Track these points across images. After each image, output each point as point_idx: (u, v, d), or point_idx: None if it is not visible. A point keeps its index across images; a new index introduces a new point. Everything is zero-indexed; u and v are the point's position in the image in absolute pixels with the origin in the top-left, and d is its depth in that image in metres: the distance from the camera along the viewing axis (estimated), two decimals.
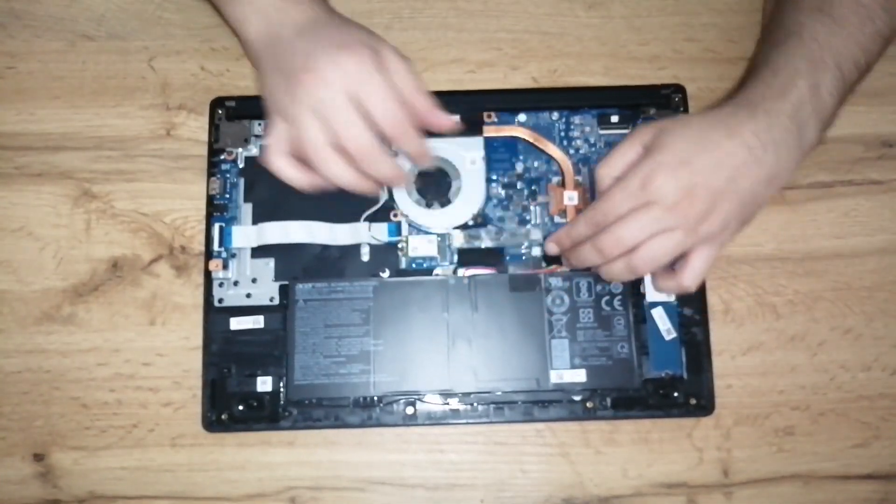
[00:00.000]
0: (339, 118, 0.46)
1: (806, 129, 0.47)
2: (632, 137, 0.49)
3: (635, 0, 0.59)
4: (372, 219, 0.54)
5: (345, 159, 0.47)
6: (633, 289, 0.53)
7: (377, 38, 0.49)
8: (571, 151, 0.56)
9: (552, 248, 0.53)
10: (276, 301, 0.53)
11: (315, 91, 0.45)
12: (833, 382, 0.54)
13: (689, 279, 0.48)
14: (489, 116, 0.56)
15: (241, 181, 0.55)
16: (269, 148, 0.49)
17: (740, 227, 0.49)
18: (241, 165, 0.55)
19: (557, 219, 0.55)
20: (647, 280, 0.53)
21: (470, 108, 0.56)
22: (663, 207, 0.46)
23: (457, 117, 0.53)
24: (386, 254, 0.54)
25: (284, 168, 0.49)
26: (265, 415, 0.52)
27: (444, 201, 0.55)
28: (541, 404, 0.52)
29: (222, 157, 0.55)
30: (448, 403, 0.52)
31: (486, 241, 0.55)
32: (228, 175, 0.55)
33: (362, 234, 0.54)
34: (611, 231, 0.48)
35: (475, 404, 0.52)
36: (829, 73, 0.48)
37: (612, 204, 0.48)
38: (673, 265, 0.49)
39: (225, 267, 0.54)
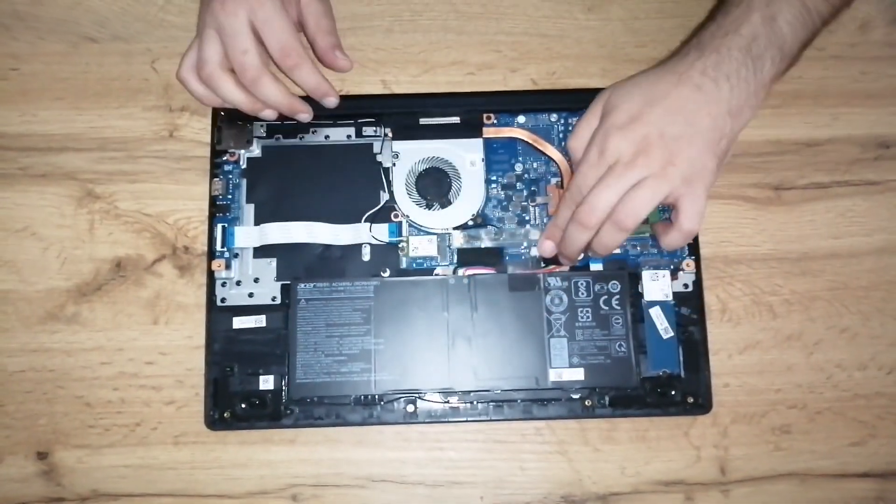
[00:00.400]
0: (233, 42, 0.51)
1: (762, 61, 0.47)
2: (592, 106, 0.51)
3: (634, 2, 0.59)
4: (373, 219, 0.55)
5: (234, 79, 0.52)
6: (632, 288, 0.53)
7: None
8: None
9: (547, 246, 0.53)
10: (278, 300, 0.54)
11: (220, 17, 0.51)
12: (829, 381, 0.54)
13: (687, 222, 0.48)
14: (489, 118, 0.56)
15: (244, 182, 0.55)
16: (181, 62, 0.54)
17: (721, 162, 0.49)
18: (243, 166, 0.56)
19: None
20: (647, 280, 0.54)
21: (469, 109, 0.56)
22: (624, 164, 0.47)
23: (349, 62, 0.56)
24: (387, 254, 0.55)
25: (189, 81, 0.54)
26: (267, 413, 0.52)
27: (444, 202, 0.55)
28: (540, 402, 0.52)
29: (224, 158, 0.56)
30: (448, 402, 0.53)
31: (485, 242, 0.55)
32: (231, 176, 0.56)
33: (363, 234, 0.55)
34: (585, 202, 0.49)
35: (475, 402, 0.53)
36: (787, 3, 0.48)
37: (582, 178, 0.49)
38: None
39: (227, 267, 0.54)
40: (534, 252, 0.55)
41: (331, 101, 0.55)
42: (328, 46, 0.54)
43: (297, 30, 0.55)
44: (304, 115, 0.55)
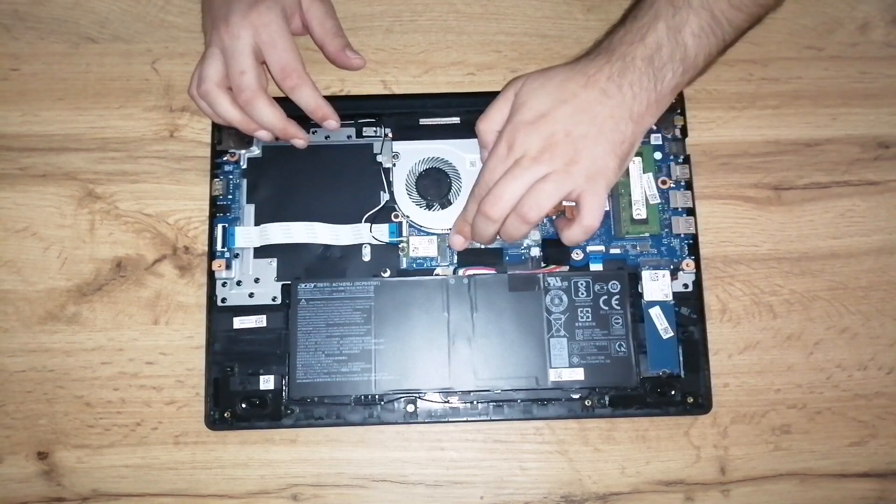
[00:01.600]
0: (233, 62, 0.52)
1: (664, 72, 0.49)
2: (503, 93, 0.51)
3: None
4: (373, 219, 0.55)
5: (231, 98, 0.53)
6: (632, 288, 0.53)
7: None
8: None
9: (457, 241, 0.53)
10: (279, 300, 0.54)
11: (224, 38, 0.52)
12: (829, 381, 0.54)
13: (588, 218, 0.49)
14: None
15: (244, 182, 0.56)
16: (190, 79, 0.55)
17: (623, 163, 0.50)
18: (243, 167, 0.56)
19: (555, 218, 0.55)
20: (646, 280, 0.54)
21: (470, 110, 0.56)
22: (530, 159, 0.48)
23: (361, 60, 0.56)
24: (387, 254, 0.55)
25: (196, 98, 0.54)
26: (267, 413, 0.52)
27: (445, 202, 0.55)
28: (540, 402, 0.52)
29: (225, 158, 0.56)
30: (448, 401, 0.53)
31: None
32: (231, 176, 0.56)
33: (364, 234, 0.55)
34: (491, 193, 0.49)
35: (475, 402, 0.53)
36: (694, 14, 0.48)
37: (489, 172, 0.50)
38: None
39: (228, 267, 0.54)
40: (533, 252, 0.55)
41: (331, 125, 0.55)
42: (338, 48, 0.55)
43: (303, 34, 0.56)
44: (300, 140, 0.55)
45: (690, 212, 0.55)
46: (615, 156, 0.49)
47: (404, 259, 0.55)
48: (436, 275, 0.54)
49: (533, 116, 0.49)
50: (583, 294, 0.53)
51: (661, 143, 0.56)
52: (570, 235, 0.51)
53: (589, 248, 0.55)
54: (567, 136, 0.48)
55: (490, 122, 0.52)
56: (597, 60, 0.49)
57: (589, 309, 0.53)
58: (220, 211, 0.55)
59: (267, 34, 0.51)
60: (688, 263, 0.54)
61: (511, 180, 0.49)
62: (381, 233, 0.55)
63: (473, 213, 0.51)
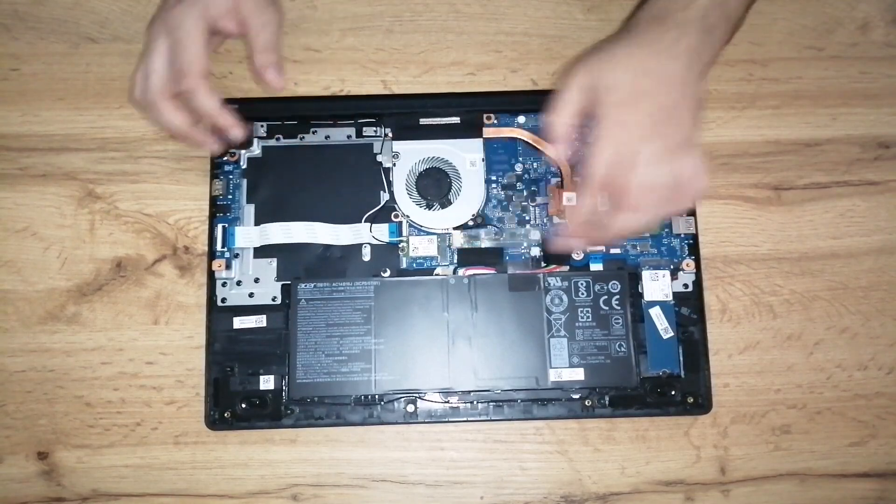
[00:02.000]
0: (146, 62, 0.52)
1: (715, 31, 0.49)
2: (571, 82, 0.49)
3: (633, 3, 0.59)
4: (373, 219, 0.55)
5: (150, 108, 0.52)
6: (632, 288, 0.53)
7: None
8: (570, 153, 0.56)
9: (576, 244, 0.53)
10: (279, 300, 0.54)
11: (150, 44, 0.52)
12: (829, 381, 0.54)
13: (701, 181, 0.48)
14: (489, 118, 0.56)
15: (244, 182, 0.56)
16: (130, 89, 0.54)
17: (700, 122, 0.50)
18: (243, 167, 0.56)
19: (556, 219, 0.55)
20: (647, 280, 0.54)
21: (470, 109, 0.56)
22: (649, 140, 0.47)
23: (281, 82, 0.55)
24: (387, 254, 0.55)
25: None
26: (268, 413, 0.52)
27: (445, 202, 0.55)
28: (540, 402, 0.52)
29: (225, 158, 0.56)
30: (448, 401, 0.53)
31: (485, 242, 0.55)
32: (231, 176, 0.56)
33: (364, 234, 0.55)
34: (639, 185, 0.47)
35: (475, 402, 0.53)
36: None
37: (611, 160, 0.48)
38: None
39: (228, 267, 0.54)
40: (534, 252, 0.55)
41: (234, 133, 0.53)
42: (261, 63, 0.54)
43: (236, 34, 0.54)
44: (205, 147, 0.54)
45: (691, 212, 0.55)
46: (696, 118, 0.49)
47: (404, 259, 0.55)
48: (436, 275, 0.54)
49: (627, 96, 0.48)
50: (583, 294, 0.53)
51: None
52: (682, 207, 0.52)
53: (589, 249, 0.55)
54: (661, 108, 0.48)
55: (564, 114, 0.50)
56: (652, 30, 0.49)
57: (589, 309, 0.53)
58: (220, 211, 0.55)
59: (177, 34, 0.51)
60: (688, 263, 0.54)
61: (654, 166, 0.47)
62: (381, 233, 0.55)
63: (593, 208, 0.49)
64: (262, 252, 0.55)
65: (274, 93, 0.55)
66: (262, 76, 0.54)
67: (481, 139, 0.56)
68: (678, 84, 0.48)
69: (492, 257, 0.55)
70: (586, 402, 0.52)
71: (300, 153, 0.56)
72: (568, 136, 0.49)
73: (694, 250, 0.55)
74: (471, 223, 0.55)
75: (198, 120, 0.52)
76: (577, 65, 0.50)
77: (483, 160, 0.56)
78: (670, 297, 0.54)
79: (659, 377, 0.53)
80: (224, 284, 0.54)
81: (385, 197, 0.55)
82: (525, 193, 0.56)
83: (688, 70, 0.48)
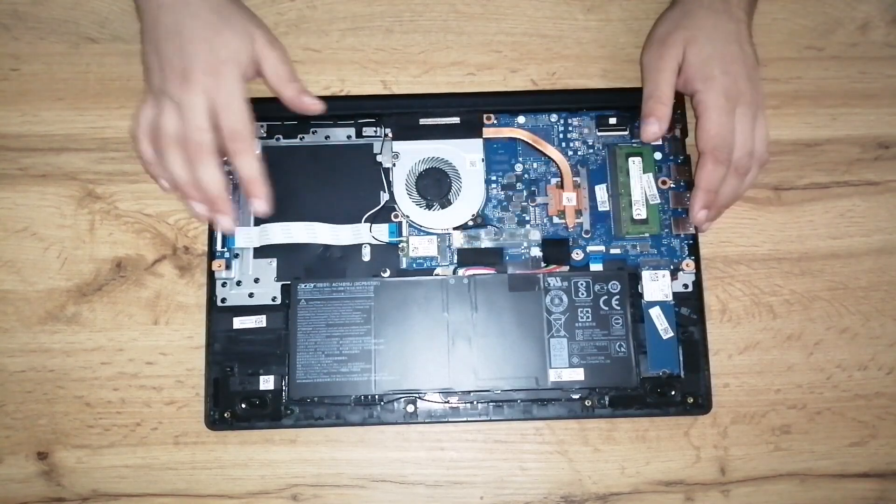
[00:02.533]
0: (192, 116, 0.50)
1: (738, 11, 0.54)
2: (665, 65, 0.53)
3: (633, 3, 0.59)
4: (373, 219, 0.55)
5: (183, 157, 0.51)
6: (632, 288, 0.53)
7: (251, 25, 0.53)
8: (570, 153, 0.56)
9: (705, 216, 0.53)
10: (279, 300, 0.54)
11: (181, 94, 0.50)
12: (829, 381, 0.54)
13: (766, 131, 0.54)
14: (489, 118, 0.56)
15: None
16: (136, 119, 0.52)
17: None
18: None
19: (556, 219, 0.55)
20: (646, 280, 0.54)
21: (470, 110, 0.56)
22: (746, 104, 0.52)
23: (319, 104, 0.54)
24: (387, 254, 0.55)
25: (142, 142, 0.52)
26: (267, 413, 0.52)
27: (444, 202, 0.55)
28: (540, 403, 0.52)
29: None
30: (448, 402, 0.53)
31: (485, 242, 0.55)
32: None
33: (363, 234, 0.55)
34: (757, 144, 0.53)
35: (475, 402, 0.53)
36: None
37: (726, 127, 0.52)
38: None
39: (228, 267, 0.54)
40: (534, 252, 0.55)
41: (258, 205, 0.52)
42: (295, 94, 0.53)
43: (255, 78, 0.54)
44: (226, 219, 0.51)
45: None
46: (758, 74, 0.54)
47: (404, 259, 0.55)
48: (436, 275, 0.54)
49: (719, 64, 0.52)
50: (583, 294, 0.53)
51: (661, 143, 0.56)
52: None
53: (589, 249, 0.55)
54: (745, 73, 0.52)
55: (666, 92, 0.53)
56: (704, 10, 0.53)
57: (589, 309, 0.53)
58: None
59: (224, 97, 0.50)
60: (688, 263, 0.54)
61: (754, 129, 0.53)
62: (381, 233, 0.55)
63: (719, 176, 0.52)
64: (262, 252, 0.55)
65: (268, 93, 0.55)
66: (298, 105, 0.54)
67: (481, 139, 0.56)
68: (745, 44, 0.53)
69: (492, 257, 0.55)
70: (586, 403, 0.52)
71: (300, 153, 0.56)
72: (670, 114, 0.53)
73: (694, 250, 0.55)
74: (471, 223, 0.55)
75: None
76: (660, 43, 0.54)
77: (483, 160, 0.56)
78: (670, 298, 0.54)
79: (659, 377, 0.53)
80: (224, 284, 0.54)
81: (385, 197, 0.55)
82: (525, 193, 0.56)
83: (747, 30, 0.54)
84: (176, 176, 0.51)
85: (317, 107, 0.54)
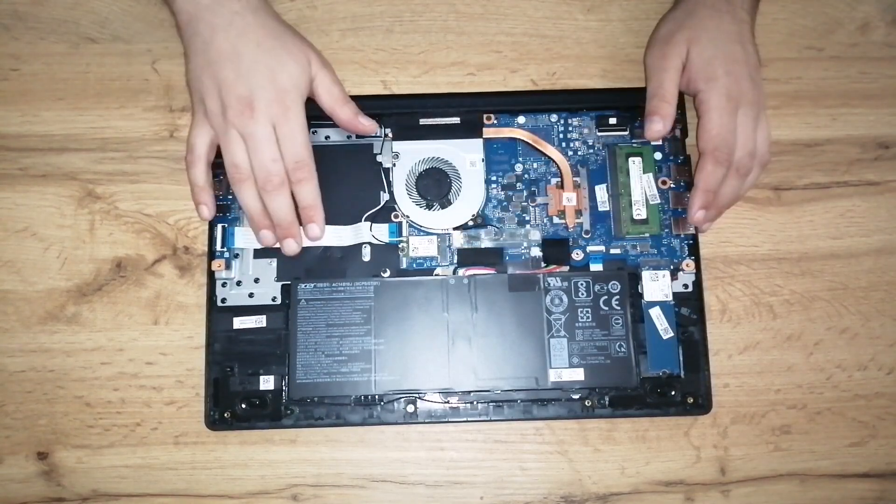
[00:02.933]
0: (261, 148, 0.51)
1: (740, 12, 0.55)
2: (669, 65, 0.53)
3: (633, 3, 0.59)
4: (373, 219, 0.55)
5: (255, 188, 0.52)
6: (632, 288, 0.53)
7: (307, 49, 0.53)
8: (570, 153, 0.56)
9: (703, 216, 0.53)
10: (279, 301, 0.54)
11: (248, 124, 0.50)
12: (829, 382, 0.54)
13: (768, 130, 0.54)
14: (489, 118, 0.56)
15: None
16: (190, 147, 0.53)
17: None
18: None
19: (556, 219, 0.55)
20: (646, 280, 0.54)
21: (470, 110, 0.56)
22: (749, 104, 0.53)
23: (374, 124, 0.55)
24: (387, 254, 0.55)
25: (198, 173, 0.53)
26: (267, 413, 0.52)
27: (445, 202, 0.55)
28: (540, 403, 0.52)
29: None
30: (448, 402, 0.53)
31: (485, 242, 0.55)
32: None
33: (364, 234, 0.55)
34: (758, 145, 0.53)
35: (475, 403, 0.53)
36: None
37: (727, 128, 0.52)
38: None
39: (228, 267, 0.54)
40: (534, 252, 0.55)
41: (314, 230, 0.53)
42: (351, 115, 0.54)
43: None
44: (294, 243, 0.53)
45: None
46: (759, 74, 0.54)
47: (404, 259, 0.55)
48: (436, 275, 0.54)
49: (722, 65, 0.52)
50: (583, 294, 0.53)
51: (661, 143, 0.56)
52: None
53: (589, 249, 0.55)
54: (748, 74, 0.53)
55: (671, 91, 0.53)
56: (708, 11, 0.54)
57: (589, 309, 0.53)
58: (219, 211, 0.55)
59: (288, 127, 0.51)
60: (688, 264, 0.54)
61: (755, 131, 0.53)
62: (381, 233, 0.55)
63: (719, 176, 0.52)
64: (261, 252, 0.55)
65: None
66: (353, 127, 0.54)
67: (481, 139, 0.56)
68: (748, 44, 0.53)
69: (492, 257, 0.55)
70: (586, 403, 0.52)
71: None
72: (674, 113, 0.53)
73: (694, 250, 0.55)
74: (471, 223, 0.55)
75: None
76: (663, 42, 0.54)
77: (483, 160, 0.56)
78: (670, 298, 0.54)
79: (659, 377, 0.53)
80: (224, 285, 0.54)
81: (385, 197, 0.55)
82: (525, 193, 0.56)
83: (750, 30, 0.54)
84: (249, 207, 0.52)
85: (372, 127, 0.55)
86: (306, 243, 0.54)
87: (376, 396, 0.52)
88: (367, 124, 0.54)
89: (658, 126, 0.53)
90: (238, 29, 0.51)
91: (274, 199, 0.51)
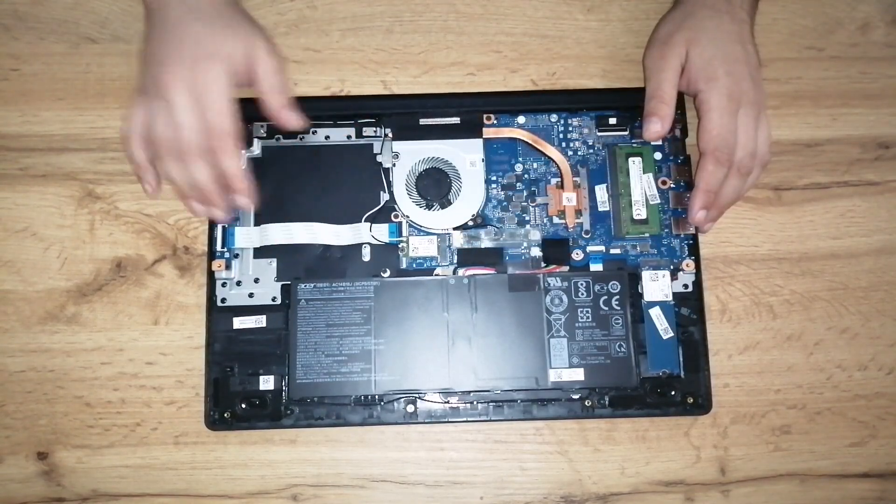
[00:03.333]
0: (178, 117, 0.49)
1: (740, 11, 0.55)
2: (668, 66, 0.53)
3: (633, 3, 0.59)
4: (373, 219, 0.55)
5: (179, 160, 0.50)
6: (632, 288, 0.53)
7: (254, 33, 0.51)
8: (570, 153, 0.56)
9: (704, 216, 0.53)
10: (279, 301, 0.54)
11: (165, 89, 0.49)
12: (829, 382, 0.54)
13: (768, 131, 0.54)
14: (489, 118, 0.56)
15: None
16: (127, 126, 0.51)
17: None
18: (243, 167, 0.56)
19: (556, 219, 0.55)
20: (646, 280, 0.54)
21: (470, 110, 0.56)
22: (750, 104, 0.52)
23: (300, 120, 0.52)
24: (387, 254, 0.55)
25: (135, 152, 0.51)
26: (267, 413, 0.52)
27: (445, 202, 0.55)
28: (540, 403, 0.52)
29: None
30: (448, 402, 0.53)
31: (485, 242, 0.55)
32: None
33: (363, 234, 0.55)
34: (758, 145, 0.53)
35: (475, 403, 0.53)
36: None
37: (727, 128, 0.52)
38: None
39: (228, 267, 0.54)
40: (534, 252, 0.55)
41: (241, 201, 0.51)
42: (278, 105, 0.51)
43: (248, 86, 0.52)
44: (218, 211, 0.51)
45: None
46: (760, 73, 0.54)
47: (404, 259, 0.55)
48: (436, 275, 0.54)
49: (724, 63, 0.52)
50: (583, 294, 0.53)
51: (661, 143, 0.56)
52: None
53: (589, 249, 0.55)
54: (748, 73, 0.53)
55: (668, 93, 0.53)
56: (706, 12, 0.54)
57: (589, 309, 0.53)
58: None
59: (203, 90, 0.49)
60: (688, 264, 0.54)
61: (756, 130, 0.53)
62: (381, 233, 0.55)
63: (720, 176, 0.52)
64: (261, 252, 0.55)
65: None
66: (279, 118, 0.52)
67: (481, 139, 0.56)
68: (748, 44, 0.53)
69: (492, 257, 0.55)
70: (586, 403, 0.52)
71: (300, 153, 0.56)
72: (672, 114, 0.53)
73: (694, 250, 0.55)
74: (471, 223, 0.55)
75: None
76: (662, 43, 0.54)
77: (483, 160, 0.56)
78: (670, 298, 0.54)
79: (659, 377, 0.53)
80: (224, 285, 0.54)
81: (385, 197, 0.55)
82: (525, 193, 0.56)
83: (749, 30, 0.54)
84: (172, 178, 0.51)
85: (297, 122, 0.52)
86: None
87: (376, 396, 0.52)
88: (290, 117, 0.52)
89: (656, 127, 0.53)
90: (188, 6, 0.50)
91: (190, 168, 0.49)
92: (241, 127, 0.52)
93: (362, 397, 0.52)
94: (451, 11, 0.59)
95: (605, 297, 0.53)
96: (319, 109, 0.56)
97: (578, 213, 0.55)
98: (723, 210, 0.54)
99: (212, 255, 0.54)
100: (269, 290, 0.54)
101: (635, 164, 0.55)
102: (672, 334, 0.53)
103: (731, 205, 0.54)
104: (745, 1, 0.54)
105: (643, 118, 0.54)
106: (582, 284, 0.53)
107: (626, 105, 0.56)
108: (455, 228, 0.55)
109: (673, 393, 0.53)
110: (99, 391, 0.54)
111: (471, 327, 0.52)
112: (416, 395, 0.52)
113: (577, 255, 0.55)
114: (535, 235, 0.55)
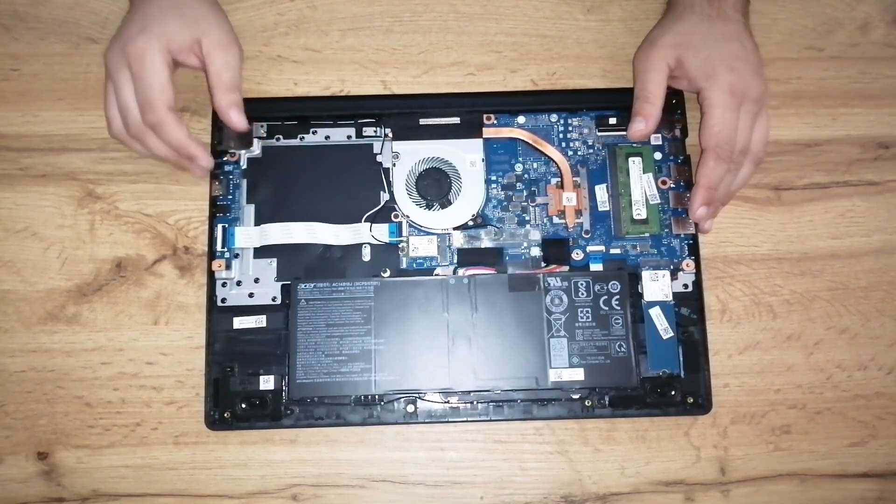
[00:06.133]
0: (121, 98, 0.52)
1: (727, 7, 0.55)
2: (656, 67, 0.53)
3: (633, 4, 0.59)
4: (373, 219, 0.55)
5: (136, 137, 0.53)
6: (632, 288, 0.53)
7: (208, 22, 0.53)
8: (570, 153, 0.56)
9: (705, 213, 0.53)
10: (279, 301, 0.54)
11: (113, 72, 0.53)
12: (829, 381, 0.54)
13: (767, 129, 0.54)
14: (489, 118, 0.56)
15: (244, 182, 0.56)
16: (105, 105, 0.54)
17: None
18: (243, 167, 0.56)
19: (556, 219, 0.55)
20: (646, 280, 0.54)
21: (470, 110, 0.56)
22: (752, 101, 0.53)
23: (244, 123, 0.54)
24: (387, 254, 0.55)
25: (116, 129, 0.54)
26: (267, 413, 0.52)
27: (445, 202, 0.55)
28: (540, 403, 0.52)
29: (225, 158, 0.56)
30: (448, 402, 0.53)
31: (485, 242, 0.55)
32: (231, 176, 0.56)
33: (363, 234, 0.55)
34: (756, 141, 0.53)
35: (475, 403, 0.53)
36: None
37: (728, 125, 0.52)
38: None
39: (228, 267, 0.54)
40: (534, 252, 0.55)
41: (203, 163, 0.53)
42: (224, 104, 0.53)
43: (198, 68, 0.55)
44: (194, 165, 0.54)
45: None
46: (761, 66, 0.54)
47: (404, 259, 0.55)
48: (436, 275, 0.54)
49: (724, 60, 0.52)
50: (583, 294, 0.53)
51: (661, 143, 0.56)
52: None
53: (589, 249, 0.55)
54: (749, 70, 0.53)
55: (657, 94, 0.53)
56: (709, 3, 0.54)
57: (589, 309, 0.53)
58: (220, 211, 0.55)
59: (141, 73, 0.51)
60: (688, 264, 0.54)
61: (755, 127, 0.53)
62: (381, 233, 0.55)
63: (722, 174, 0.52)
64: (262, 252, 0.55)
65: (263, 94, 0.56)
66: (224, 116, 0.54)
67: (481, 139, 0.56)
68: (746, 41, 0.53)
69: (492, 257, 0.55)
70: (586, 403, 0.52)
71: (300, 153, 0.56)
72: (658, 114, 0.54)
73: (694, 250, 0.55)
74: (471, 223, 0.55)
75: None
76: (649, 45, 0.54)
77: (483, 160, 0.56)
78: (670, 298, 0.54)
79: (659, 377, 0.53)
80: (224, 284, 0.54)
81: (385, 197, 0.55)
82: (525, 193, 0.56)
83: (745, 27, 0.54)
84: (142, 153, 0.54)
85: (238, 124, 0.54)
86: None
87: (376, 396, 0.52)
88: (232, 117, 0.53)
89: (640, 126, 0.53)
90: None
91: (147, 143, 0.53)
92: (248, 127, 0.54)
93: (362, 397, 0.52)
94: (451, 11, 0.59)
95: (605, 297, 0.53)
96: (319, 109, 0.56)
97: (578, 213, 0.55)
98: (720, 207, 0.54)
99: (212, 255, 0.54)
100: (269, 290, 0.54)
101: (635, 164, 0.55)
102: (672, 334, 0.53)
103: (726, 201, 0.54)
104: (736, 1, 0.54)
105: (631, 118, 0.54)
106: (582, 284, 0.53)
107: (626, 105, 0.56)
108: (455, 228, 0.55)
109: (673, 393, 0.53)
110: (99, 391, 0.54)
111: (471, 327, 0.52)
112: (416, 395, 0.52)
113: (577, 255, 0.55)
114: (535, 235, 0.55)
